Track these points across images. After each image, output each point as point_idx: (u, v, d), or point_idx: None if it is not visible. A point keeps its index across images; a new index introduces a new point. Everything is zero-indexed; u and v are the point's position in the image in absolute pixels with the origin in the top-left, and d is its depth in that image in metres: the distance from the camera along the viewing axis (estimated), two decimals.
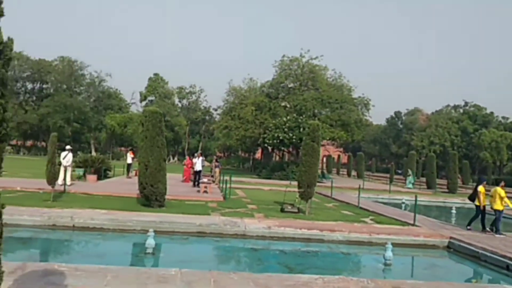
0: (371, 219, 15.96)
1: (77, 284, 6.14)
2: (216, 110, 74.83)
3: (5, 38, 3.14)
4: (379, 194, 29.86)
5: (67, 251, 11.20)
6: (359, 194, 20.45)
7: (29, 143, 78.12)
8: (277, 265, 10.11)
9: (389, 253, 10.28)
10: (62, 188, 17.88)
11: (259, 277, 7.23)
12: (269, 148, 49.09)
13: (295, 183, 19.71)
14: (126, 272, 7.05)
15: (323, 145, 36.31)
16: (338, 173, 65.25)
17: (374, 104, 48.15)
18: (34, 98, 75.11)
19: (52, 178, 15.31)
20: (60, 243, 11.77)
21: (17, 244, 10.49)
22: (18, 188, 17.80)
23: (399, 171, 62.05)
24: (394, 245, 10.84)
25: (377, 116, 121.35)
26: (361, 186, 22.94)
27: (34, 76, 73.39)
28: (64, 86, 73.32)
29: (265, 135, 41.65)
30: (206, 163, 34.91)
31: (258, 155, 65.27)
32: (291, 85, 47.91)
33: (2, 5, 3.07)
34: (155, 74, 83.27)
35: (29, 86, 75.66)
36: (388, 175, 51.74)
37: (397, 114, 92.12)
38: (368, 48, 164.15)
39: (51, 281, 6.20)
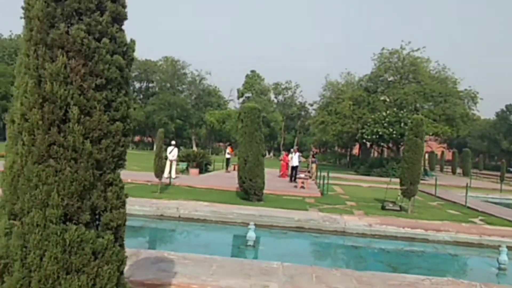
0: (481, 220, 14.89)
1: (185, 272, 6.45)
2: (312, 105, 74.67)
3: (127, 40, 3.36)
4: (489, 193, 27.74)
5: (174, 240, 11.87)
6: (466, 193, 19.17)
7: (136, 138, 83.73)
8: (379, 264, 9.83)
9: (503, 257, 9.51)
10: (168, 180, 18.94)
11: (362, 275, 7.07)
12: (368, 143, 47.76)
13: (395, 180, 18.98)
14: (230, 263, 7.27)
15: (425, 141, 34.66)
16: (441, 170, 61.67)
17: (482, 97, 44.78)
18: (141, 96, 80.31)
19: (159, 171, 16.29)
20: (168, 232, 12.48)
21: (130, 232, 11.23)
22: (129, 180, 19.10)
23: (511, 169, 57.07)
24: (509, 248, 10.00)
25: (486, 110, 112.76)
26: (468, 185, 21.48)
27: (141, 76, 78.45)
28: (168, 85, 77.65)
29: (363, 130, 40.57)
30: (302, 159, 34.95)
31: (355, 150, 63.81)
32: (391, 78, 46.15)
33: (126, 9, 3.29)
34: (252, 71, 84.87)
35: (137, 85, 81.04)
36: (498, 173, 47.87)
37: (509, 107, 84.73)
38: (477, 39, 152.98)
39: (162, 267, 6.58)
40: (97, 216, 3.19)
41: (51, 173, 2.92)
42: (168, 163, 19.94)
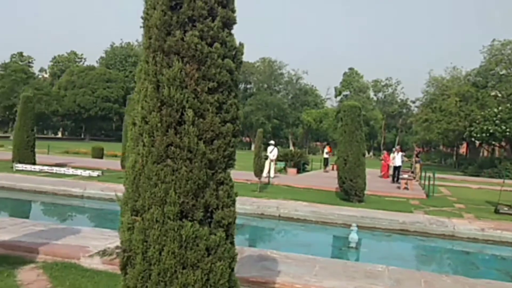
0: None
1: (288, 271, 6.49)
2: (414, 102, 71.70)
3: (237, 43, 3.46)
4: None
5: (274, 239, 12.02)
6: None
7: None
8: (495, 272, 9.10)
9: None
10: (267, 180, 19.22)
11: (476, 282, 6.60)
12: (476, 142, 44.60)
13: (510, 181, 17.52)
14: (333, 264, 7.19)
15: None
16: None
17: None
18: (240, 97, 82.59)
19: (258, 171, 16.62)
20: (268, 231, 12.67)
21: None
22: None
23: None
24: None
25: None
26: None
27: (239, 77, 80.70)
28: (265, 85, 79.01)
29: (472, 128, 37.95)
30: (405, 159, 33.59)
31: (462, 150, 59.92)
32: (503, 72, 42.71)
33: (235, 14, 3.39)
34: (350, 69, 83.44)
35: None
36: None
37: None
38: None
39: (266, 266, 6.69)
40: (209, 214, 3.31)
41: (168, 172, 3.10)
42: (267, 162, 20.24)
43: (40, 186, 15.07)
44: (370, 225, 11.75)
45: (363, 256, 9.87)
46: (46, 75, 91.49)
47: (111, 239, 7.18)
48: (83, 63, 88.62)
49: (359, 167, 15.18)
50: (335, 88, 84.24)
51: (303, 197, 15.40)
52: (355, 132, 15.27)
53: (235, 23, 3.39)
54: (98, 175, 18.54)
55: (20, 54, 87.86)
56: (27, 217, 11.44)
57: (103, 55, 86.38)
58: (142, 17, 3.34)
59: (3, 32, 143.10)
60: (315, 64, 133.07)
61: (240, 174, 21.23)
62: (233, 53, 3.39)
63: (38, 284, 5.40)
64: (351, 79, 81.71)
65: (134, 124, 3.30)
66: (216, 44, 3.21)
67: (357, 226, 10.13)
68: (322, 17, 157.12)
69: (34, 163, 19.84)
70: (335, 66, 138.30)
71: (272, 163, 21.24)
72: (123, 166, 17.94)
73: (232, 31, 3.41)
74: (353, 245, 9.75)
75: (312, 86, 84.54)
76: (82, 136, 77.65)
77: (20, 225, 8.09)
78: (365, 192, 15.51)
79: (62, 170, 19.29)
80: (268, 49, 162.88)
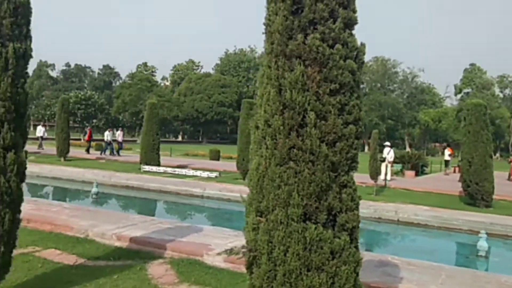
0: None
1: (411, 278, 6.18)
2: None
3: (358, 44, 3.39)
4: None
5: (393, 244, 11.57)
6: None
7: None
8: None
9: None
10: (383, 182, 18.56)
11: None
12: None
13: None
14: (461, 273, 6.70)
15: None
16: None
17: None
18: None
19: (374, 173, 16.13)
20: (387, 236, 12.24)
21: None
22: None
23: None
24: None
25: None
26: None
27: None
28: (378, 85, 76.61)
29: None
30: None
31: None
32: None
33: (356, 14, 3.33)
34: (471, 65, 77.62)
35: None
36: None
37: None
38: None
39: (387, 271, 6.45)
40: (332, 217, 3.28)
41: (291, 175, 3.13)
42: (383, 164, 19.58)
43: (164, 186, 16.20)
44: (502, 233, 10.77)
45: (494, 266, 9.08)
46: (168, 83, 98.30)
47: (231, 238, 7.45)
48: (200, 71, 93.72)
49: (486, 169, 14.08)
50: (455, 86, 78.98)
51: (423, 201, 14.62)
52: (480, 132, 14.23)
53: (356, 23, 3.34)
54: (216, 176, 19.37)
55: (145, 64, 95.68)
56: (153, 215, 12.39)
57: (218, 62, 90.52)
58: (264, 24, 3.42)
59: (131, 45, 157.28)
60: (433, 61, 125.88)
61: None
62: (355, 53, 3.33)
63: (166, 278, 5.78)
64: (472, 75, 75.94)
65: (257, 127, 3.39)
66: (338, 46, 3.17)
67: (486, 233, 9.35)
68: (437, 12, 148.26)
69: (159, 165, 21.36)
70: (455, 63, 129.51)
71: (389, 166, 20.49)
72: (238, 168, 18.55)
73: (353, 32, 3.35)
74: (482, 253, 9.01)
75: (430, 84, 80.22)
76: (200, 139, 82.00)
77: (149, 223, 8.73)
78: (493, 196, 14.31)
79: (183, 171, 20.52)
80: (382, 48, 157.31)
